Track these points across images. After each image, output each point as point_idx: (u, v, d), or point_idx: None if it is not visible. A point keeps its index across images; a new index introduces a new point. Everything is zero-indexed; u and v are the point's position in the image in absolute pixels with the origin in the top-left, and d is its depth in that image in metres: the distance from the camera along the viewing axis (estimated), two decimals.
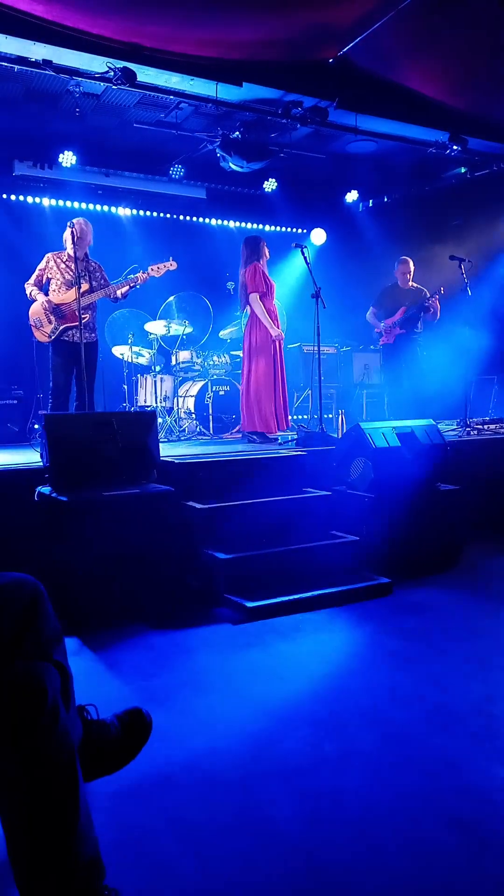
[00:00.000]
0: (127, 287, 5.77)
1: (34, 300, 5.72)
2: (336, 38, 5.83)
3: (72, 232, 5.48)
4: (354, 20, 5.51)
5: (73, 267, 5.53)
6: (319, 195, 9.58)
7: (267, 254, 6.14)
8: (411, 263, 7.28)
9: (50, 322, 5.64)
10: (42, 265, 5.76)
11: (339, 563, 4.19)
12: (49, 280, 5.74)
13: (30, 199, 8.10)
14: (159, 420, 6.49)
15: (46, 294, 5.71)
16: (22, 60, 5.52)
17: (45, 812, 1.37)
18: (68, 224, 5.62)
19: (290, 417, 6.26)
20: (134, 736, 1.76)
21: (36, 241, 7.32)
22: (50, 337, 5.66)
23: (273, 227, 9.69)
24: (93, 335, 5.82)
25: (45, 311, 5.64)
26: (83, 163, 7.58)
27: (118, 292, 5.74)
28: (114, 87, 5.78)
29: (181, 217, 9.17)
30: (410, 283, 7.27)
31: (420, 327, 7.18)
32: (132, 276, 5.87)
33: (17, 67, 5.59)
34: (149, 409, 6.95)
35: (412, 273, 7.27)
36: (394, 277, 7.37)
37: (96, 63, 5.65)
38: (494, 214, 8.43)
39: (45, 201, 8.17)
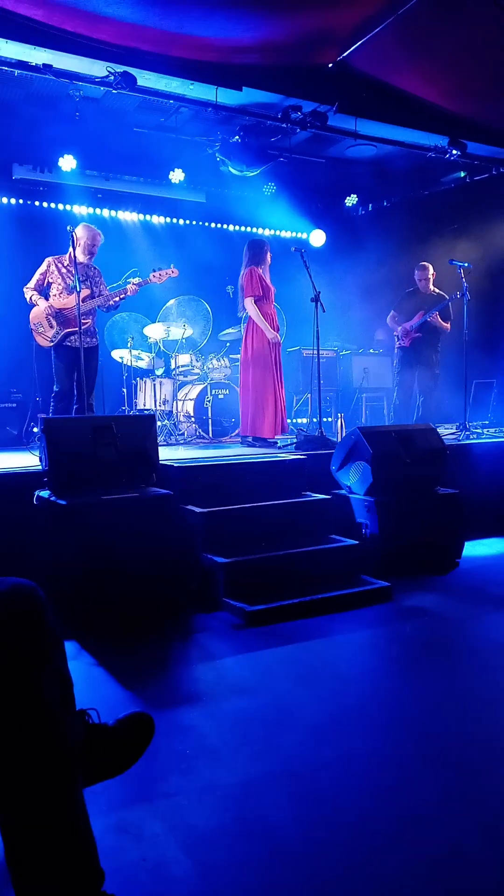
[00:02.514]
0: (118, 297, 5.77)
1: (34, 305, 5.72)
2: (335, 43, 5.85)
3: (80, 236, 5.53)
4: (354, 25, 5.52)
5: (73, 272, 5.53)
6: (319, 199, 9.59)
7: (269, 259, 6.14)
8: (431, 269, 7.32)
9: (52, 327, 5.64)
10: (42, 269, 5.75)
11: (339, 567, 4.18)
12: (50, 284, 5.74)
13: (29, 203, 8.10)
14: (158, 424, 6.49)
15: (46, 298, 5.71)
16: (22, 65, 5.52)
17: (44, 818, 1.37)
18: (85, 227, 5.68)
19: (287, 421, 6.26)
20: (136, 739, 1.75)
21: (35, 246, 7.31)
22: (52, 342, 5.66)
23: (272, 232, 9.70)
24: (93, 340, 5.82)
25: (46, 315, 5.64)
26: (83, 167, 7.58)
27: (110, 302, 5.75)
28: (114, 91, 5.79)
29: (181, 221, 9.18)
30: (431, 289, 7.31)
31: (446, 326, 7.21)
32: (120, 287, 5.83)
33: (17, 72, 5.59)
34: (148, 412, 6.95)
35: (432, 279, 7.31)
36: (413, 282, 7.43)
37: (96, 67, 5.66)
38: (494, 219, 8.44)
39: (45, 205, 8.18)
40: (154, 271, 6.04)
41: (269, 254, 6.15)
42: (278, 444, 5.91)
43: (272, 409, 5.97)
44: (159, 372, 7.25)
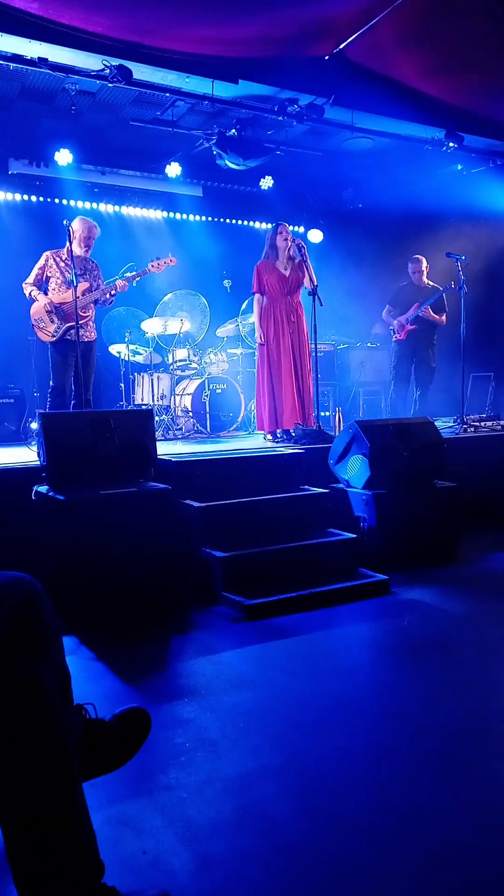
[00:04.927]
0: (112, 291, 5.74)
1: (34, 300, 5.70)
2: (332, 35, 5.82)
3: (76, 229, 5.53)
4: (350, 16, 5.50)
5: (71, 265, 5.52)
6: (316, 192, 9.57)
7: (282, 245, 5.94)
8: (424, 261, 7.31)
9: (52, 322, 5.62)
10: (41, 263, 5.74)
11: (337, 561, 4.19)
12: (48, 279, 5.72)
13: (26, 198, 8.08)
14: (156, 418, 6.48)
15: (45, 293, 5.69)
16: (17, 58, 5.50)
17: (43, 811, 1.37)
18: (81, 220, 5.65)
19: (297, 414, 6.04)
20: (133, 734, 1.76)
21: (32, 240, 7.31)
22: (53, 336, 5.65)
23: (269, 225, 9.66)
24: (93, 334, 5.82)
25: (46, 310, 5.63)
26: (79, 161, 7.56)
27: (106, 295, 5.73)
28: (110, 84, 5.77)
29: (178, 215, 9.16)
30: (425, 281, 7.30)
31: (441, 319, 7.20)
32: (111, 283, 5.81)
33: (12, 65, 5.57)
34: (146, 407, 6.95)
35: (426, 271, 7.30)
36: (407, 276, 7.41)
37: (92, 61, 5.64)
38: (491, 211, 8.43)
39: (42, 200, 8.15)
40: (153, 261, 6.03)
41: (283, 242, 5.93)
42: (279, 438, 5.90)
43: (279, 402, 5.91)
44: (155, 365, 7.24)
